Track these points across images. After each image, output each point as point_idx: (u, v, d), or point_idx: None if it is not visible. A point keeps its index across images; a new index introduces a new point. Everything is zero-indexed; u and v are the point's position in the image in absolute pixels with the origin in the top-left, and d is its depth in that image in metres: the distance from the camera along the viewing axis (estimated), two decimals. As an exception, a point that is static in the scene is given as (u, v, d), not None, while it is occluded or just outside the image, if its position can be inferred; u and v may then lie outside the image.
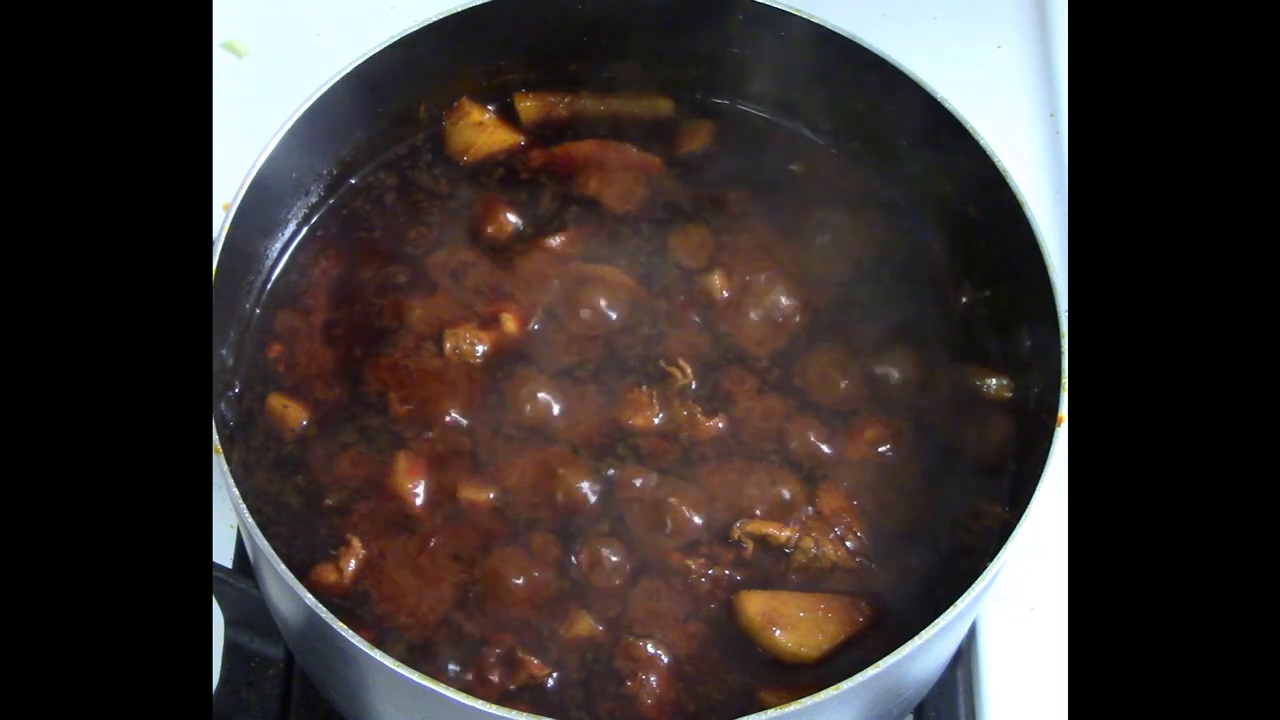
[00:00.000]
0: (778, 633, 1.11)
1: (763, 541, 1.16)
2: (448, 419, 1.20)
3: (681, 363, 1.23)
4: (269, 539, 1.03)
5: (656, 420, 1.20)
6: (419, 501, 1.17)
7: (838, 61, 1.27)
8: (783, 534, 1.15)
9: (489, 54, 1.33)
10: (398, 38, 1.26)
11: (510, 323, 1.25)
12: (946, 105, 1.22)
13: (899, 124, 1.28)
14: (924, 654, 1.03)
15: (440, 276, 1.28)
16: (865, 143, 1.34)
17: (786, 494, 1.17)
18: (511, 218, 1.31)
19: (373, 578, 1.14)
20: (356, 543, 1.14)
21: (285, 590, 1.02)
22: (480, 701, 0.96)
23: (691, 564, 1.14)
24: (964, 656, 1.29)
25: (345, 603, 1.12)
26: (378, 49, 1.25)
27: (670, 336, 1.25)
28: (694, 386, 1.22)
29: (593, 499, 1.17)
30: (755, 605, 1.12)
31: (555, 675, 1.10)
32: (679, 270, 1.29)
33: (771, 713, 0.96)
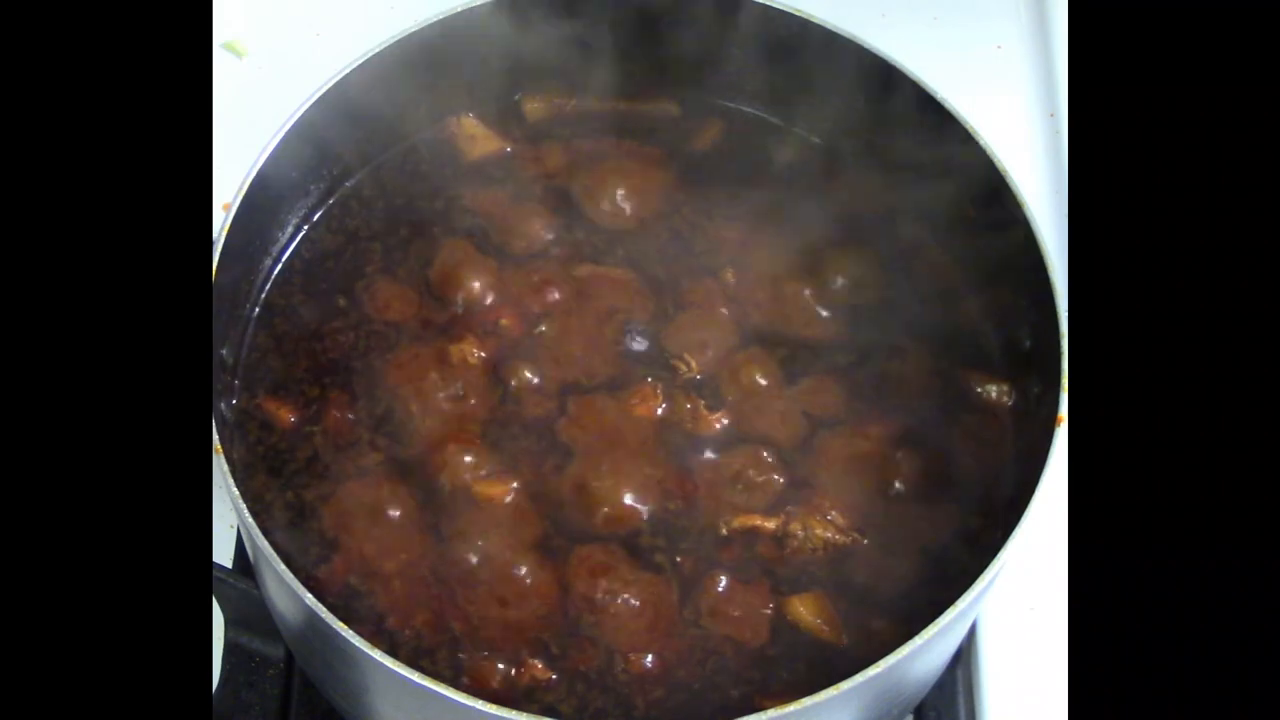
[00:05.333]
0: (825, 625, 1.12)
1: (752, 534, 1.16)
2: (452, 420, 1.20)
3: (687, 356, 1.23)
4: (268, 539, 1.03)
5: (659, 412, 1.21)
6: (421, 502, 1.17)
7: (838, 61, 1.27)
8: (770, 524, 1.16)
9: (491, 54, 1.33)
10: (398, 38, 1.26)
11: (513, 325, 1.25)
12: (947, 105, 1.22)
13: (899, 124, 1.28)
14: (924, 654, 1.03)
15: (441, 278, 1.28)
16: (866, 142, 1.34)
17: (779, 489, 1.18)
18: (513, 219, 1.31)
19: (375, 578, 1.14)
20: (356, 543, 1.15)
21: (285, 590, 1.02)
22: (481, 702, 0.96)
23: (684, 559, 1.15)
24: (964, 656, 1.29)
25: (345, 602, 1.12)
26: (377, 49, 1.25)
27: (675, 333, 1.25)
28: (699, 379, 1.23)
29: (597, 497, 1.17)
30: (806, 606, 1.13)
31: (555, 677, 1.10)
32: (684, 268, 1.29)
33: (772, 712, 0.96)
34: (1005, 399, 1.23)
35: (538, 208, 1.32)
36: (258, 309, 1.27)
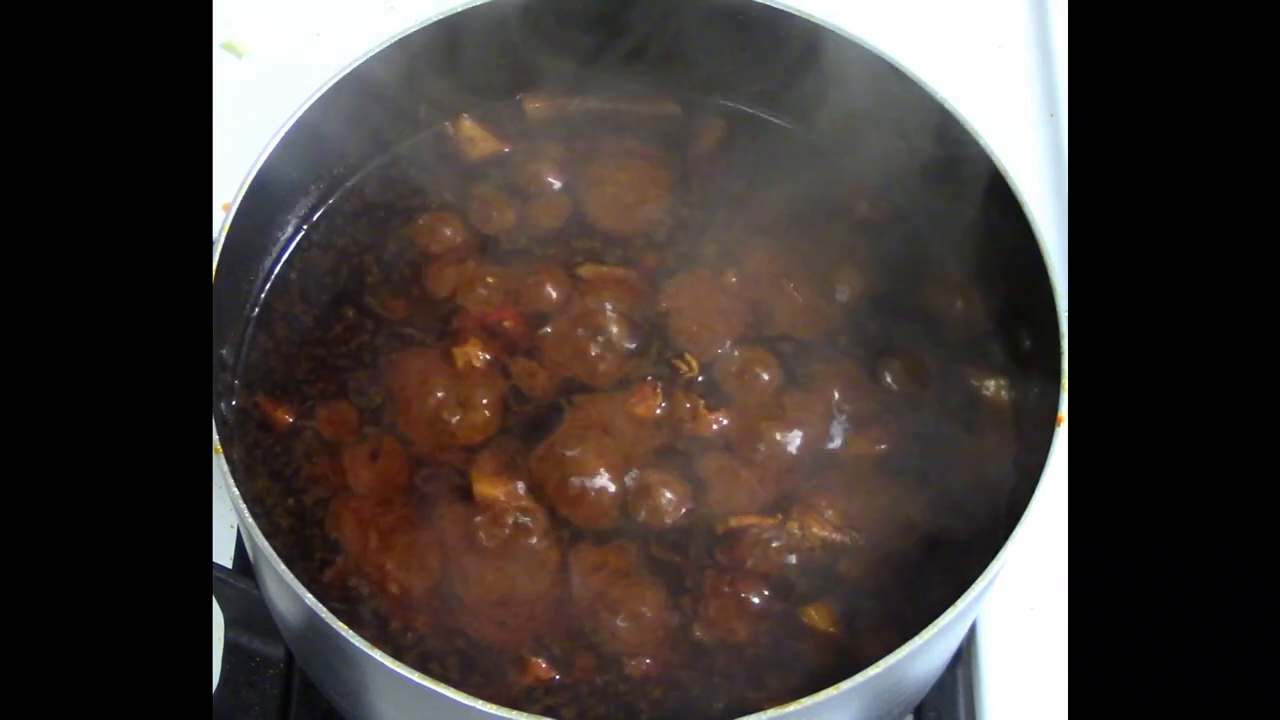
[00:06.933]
0: (826, 626, 1.13)
1: (750, 533, 1.16)
2: (454, 419, 1.20)
3: (687, 356, 1.24)
4: (268, 539, 1.03)
5: (659, 411, 1.21)
6: (422, 503, 1.17)
7: (839, 61, 1.27)
8: (768, 523, 1.16)
9: (491, 54, 1.33)
10: (398, 38, 1.26)
11: (516, 326, 1.25)
12: (946, 105, 1.22)
13: (899, 123, 1.28)
14: (924, 654, 1.03)
15: (442, 279, 1.28)
16: (865, 142, 1.33)
17: (778, 488, 1.18)
18: (515, 219, 1.32)
19: (375, 578, 1.14)
20: (356, 544, 1.15)
21: (285, 590, 1.02)
22: (481, 702, 0.96)
23: (683, 559, 1.15)
24: (964, 656, 1.29)
25: (345, 603, 1.12)
26: (378, 49, 1.25)
27: (676, 332, 1.25)
28: (699, 379, 1.23)
29: (600, 498, 1.17)
30: (822, 613, 1.13)
31: (558, 677, 1.10)
32: (685, 268, 1.29)
33: (772, 712, 0.96)
34: (1004, 394, 1.23)
35: (539, 209, 1.32)
36: (258, 309, 1.27)
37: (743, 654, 1.12)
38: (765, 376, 1.24)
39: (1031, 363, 1.19)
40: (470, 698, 0.96)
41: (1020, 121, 1.63)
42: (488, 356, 1.23)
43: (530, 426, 1.20)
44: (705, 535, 1.16)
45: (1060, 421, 1.08)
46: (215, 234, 1.14)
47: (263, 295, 1.28)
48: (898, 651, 0.99)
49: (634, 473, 1.18)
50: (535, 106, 1.38)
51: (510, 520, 1.15)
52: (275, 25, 1.66)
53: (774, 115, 1.38)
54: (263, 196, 1.20)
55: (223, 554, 1.31)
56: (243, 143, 1.22)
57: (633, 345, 1.25)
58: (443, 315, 1.26)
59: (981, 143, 1.20)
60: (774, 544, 1.16)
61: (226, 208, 1.16)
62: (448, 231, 1.31)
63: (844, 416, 1.22)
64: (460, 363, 1.22)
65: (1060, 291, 1.13)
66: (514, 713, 0.95)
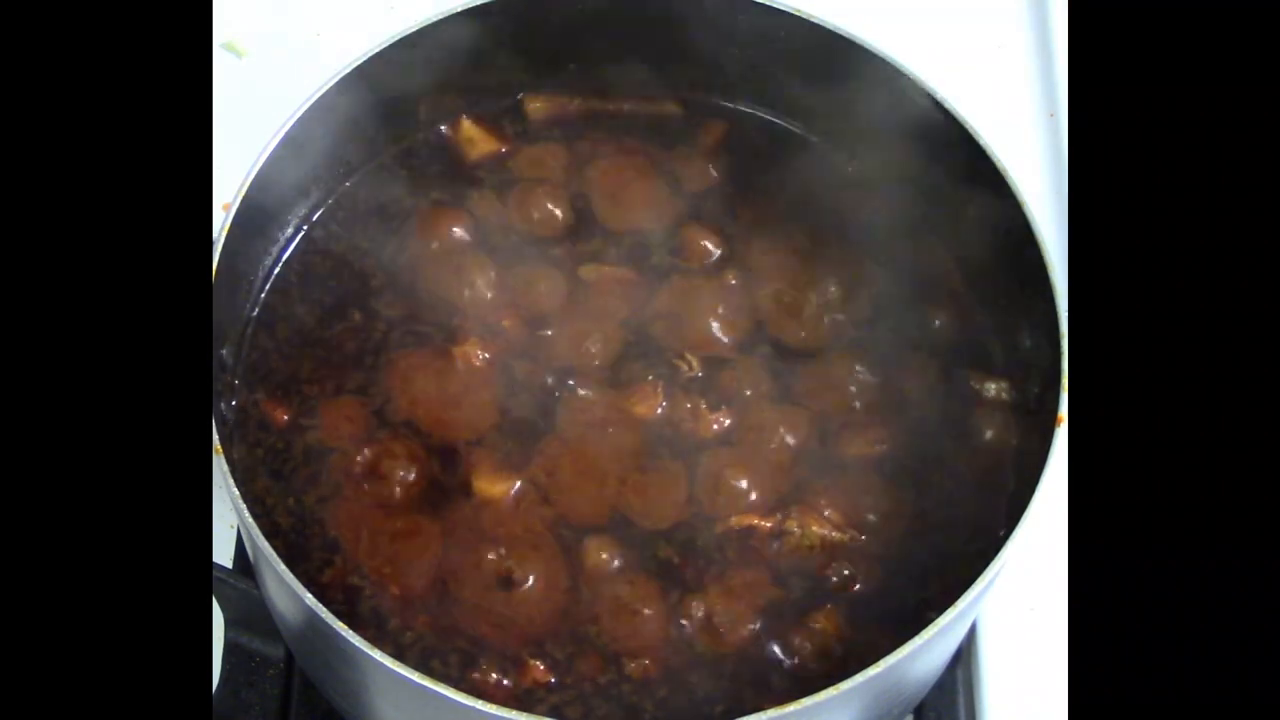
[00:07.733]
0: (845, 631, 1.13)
1: (751, 532, 1.16)
2: (453, 420, 1.20)
3: (689, 356, 1.23)
4: (268, 539, 1.03)
5: (659, 411, 1.21)
6: (423, 502, 1.17)
7: (839, 62, 1.27)
8: (767, 523, 1.16)
9: (491, 54, 1.33)
10: (398, 38, 1.26)
11: (516, 326, 1.25)
12: (946, 105, 1.22)
13: (900, 124, 1.28)
14: (924, 654, 1.03)
15: (443, 280, 1.28)
16: (866, 142, 1.34)
17: (778, 488, 1.18)
18: (515, 220, 1.32)
19: (375, 578, 1.14)
20: (356, 543, 1.15)
21: (285, 590, 1.02)
22: (481, 702, 0.96)
23: (683, 559, 1.15)
24: (964, 656, 1.29)
25: (346, 603, 1.12)
26: (378, 49, 1.25)
27: (677, 332, 1.25)
28: (700, 376, 1.23)
29: (600, 498, 1.17)
30: (822, 613, 1.13)
31: (555, 680, 1.10)
32: (686, 269, 1.29)
33: (772, 712, 0.96)
34: (1004, 395, 1.23)
35: (539, 209, 1.32)
36: (258, 309, 1.27)
37: (743, 653, 1.12)
38: (765, 376, 1.24)
39: (1031, 363, 1.20)
40: (470, 697, 0.96)
41: (1020, 121, 1.63)
42: (487, 356, 1.23)
43: (530, 426, 1.20)
44: (705, 535, 1.16)
45: (1060, 421, 1.08)
46: (215, 234, 1.14)
47: (263, 295, 1.28)
48: (898, 651, 0.99)
49: (634, 473, 1.18)
50: (535, 106, 1.38)
51: (510, 520, 1.15)
52: (275, 25, 1.66)
53: (774, 115, 1.38)
54: (263, 196, 1.20)
55: (223, 554, 1.31)
56: (243, 143, 1.21)
57: (633, 345, 1.25)
58: (442, 315, 1.26)
59: (981, 143, 1.21)
60: (774, 544, 1.16)
61: (226, 208, 1.16)
62: (447, 232, 1.31)
63: (844, 417, 1.22)
64: (460, 362, 1.22)
65: (1060, 291, 1.13)
66: (514, 713, 0.95)
